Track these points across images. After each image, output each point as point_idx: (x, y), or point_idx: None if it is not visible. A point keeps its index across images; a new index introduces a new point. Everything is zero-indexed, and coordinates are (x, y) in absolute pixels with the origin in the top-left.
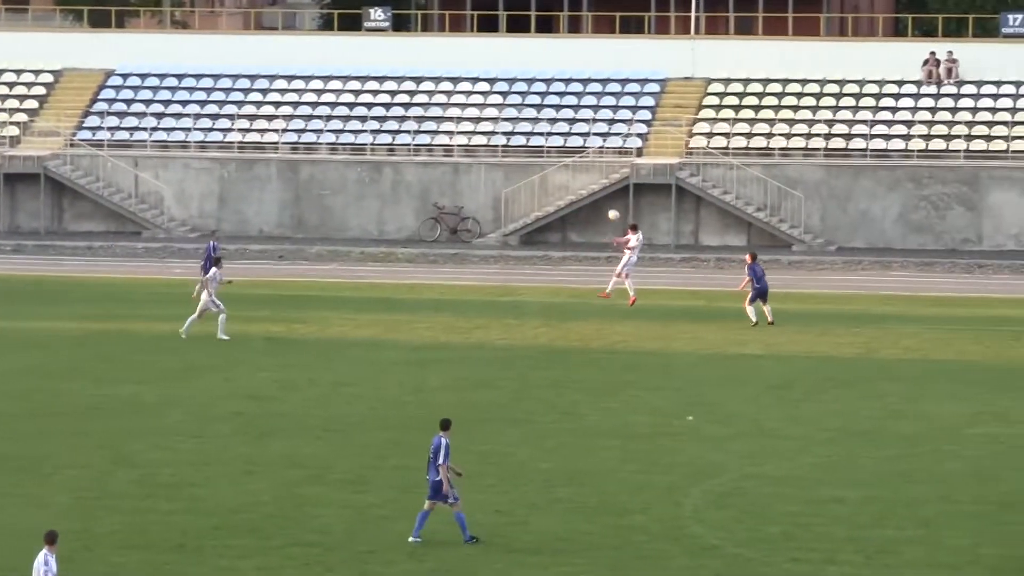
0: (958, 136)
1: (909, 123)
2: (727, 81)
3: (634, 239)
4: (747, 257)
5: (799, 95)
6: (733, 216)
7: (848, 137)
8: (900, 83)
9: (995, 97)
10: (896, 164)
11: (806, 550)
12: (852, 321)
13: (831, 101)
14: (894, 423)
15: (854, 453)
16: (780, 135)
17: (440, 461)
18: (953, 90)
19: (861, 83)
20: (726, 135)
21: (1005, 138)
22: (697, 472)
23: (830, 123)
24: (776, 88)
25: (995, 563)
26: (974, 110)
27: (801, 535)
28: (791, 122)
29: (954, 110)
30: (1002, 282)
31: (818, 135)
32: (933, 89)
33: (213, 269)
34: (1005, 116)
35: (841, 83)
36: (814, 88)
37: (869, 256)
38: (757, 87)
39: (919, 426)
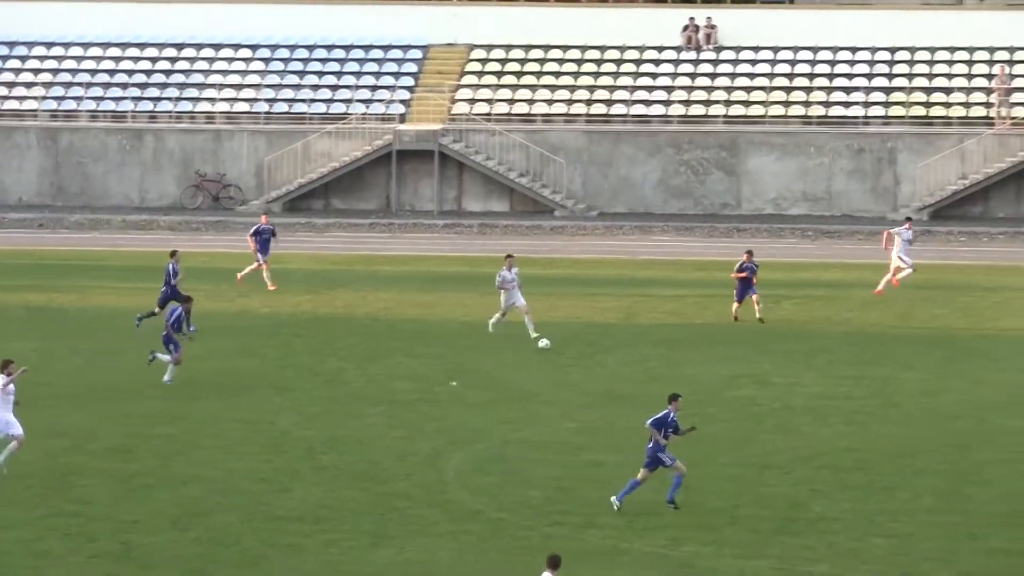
0: (717, 102)
1: (669, 89)
2: (489, 47)
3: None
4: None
5: (561, 61)
6: (496, 182)
7: (609, 103)
8: (660, 49)
9: (753, 63)
10: (656, 130)
11: (567, 514)
12: (614, 286)
13: (592, 67)
14: (655, 387)
15: (615, 417)
16: (542, 101)
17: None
18: (712, 56)
19: (622, 49)
20: (489, 101)
21: (763, 103)
22: (460, 438)
23: (591, 89)
24: (538, 54)
25: (754, 524)
26: (733, 76)
27: (562, 499)
28: (553, 88)
29: (713, 76)
30: (760, 246)
31: (580, 101)
32: (692, 55)
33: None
34: (763, 82)
35: (602, 49)
36: (575, 54)
37: (630, 221)
38: (519, 53)
39: (680, 389)
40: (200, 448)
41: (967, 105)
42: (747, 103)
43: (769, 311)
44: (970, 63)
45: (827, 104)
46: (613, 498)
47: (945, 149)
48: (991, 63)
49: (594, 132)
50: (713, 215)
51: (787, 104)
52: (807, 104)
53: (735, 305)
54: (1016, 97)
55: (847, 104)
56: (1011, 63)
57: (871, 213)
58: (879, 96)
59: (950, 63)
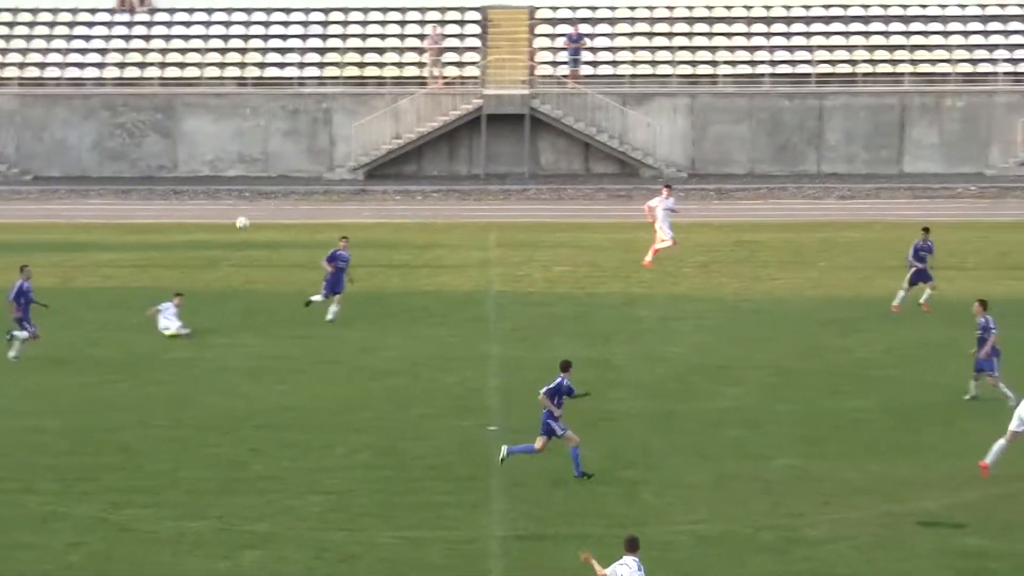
0: (152, 64)
1: (103, 51)
2: None
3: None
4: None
5: None
6: None
7: (42, 66)
8: (94, 11)
9: (188, 24)
10: (91, 92)
11: (5, 480)
12: (50, 251)
13: (25, 29)
14: (95, 350)
15: (55, 382)
16: None
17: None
18: (146, 18)
19: (55, 11)
20: None
21: (198, 65)
22: None
23: (24, 52)
24: None
25: (192, 485)
26: (167, 38)
27: (1, 465)
28: None
29: (148, 38)
30: (197, 207)
31: (12, 64)
32: (127, 17)
33: None
34: (198, 43)
35: (35, 11)
36: (7, 17)
37: (66, 185)
38: None
39: (119, 353)
40: None
41: (400, 65)
42: (182, 65)
43: (205, 272)
44: (403, 23)
45: (262, 66)
46: (504, 448)
47: (379, 109)
48: (423, 23)
49: (27, 95)
50: (150, 177)
51: (222, 66)
52: (242, 66)
53: (321, 296)
54: (448, 57)
55: (282, 65)
56: (443, 23)
57: (307, 174)
58: (314, 57)
59: (383, 23)
